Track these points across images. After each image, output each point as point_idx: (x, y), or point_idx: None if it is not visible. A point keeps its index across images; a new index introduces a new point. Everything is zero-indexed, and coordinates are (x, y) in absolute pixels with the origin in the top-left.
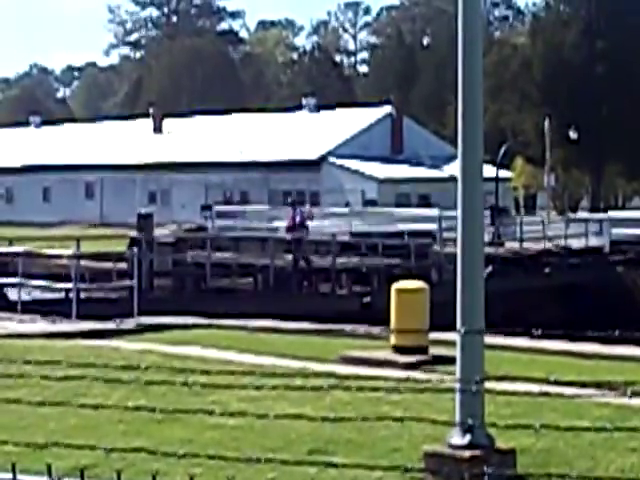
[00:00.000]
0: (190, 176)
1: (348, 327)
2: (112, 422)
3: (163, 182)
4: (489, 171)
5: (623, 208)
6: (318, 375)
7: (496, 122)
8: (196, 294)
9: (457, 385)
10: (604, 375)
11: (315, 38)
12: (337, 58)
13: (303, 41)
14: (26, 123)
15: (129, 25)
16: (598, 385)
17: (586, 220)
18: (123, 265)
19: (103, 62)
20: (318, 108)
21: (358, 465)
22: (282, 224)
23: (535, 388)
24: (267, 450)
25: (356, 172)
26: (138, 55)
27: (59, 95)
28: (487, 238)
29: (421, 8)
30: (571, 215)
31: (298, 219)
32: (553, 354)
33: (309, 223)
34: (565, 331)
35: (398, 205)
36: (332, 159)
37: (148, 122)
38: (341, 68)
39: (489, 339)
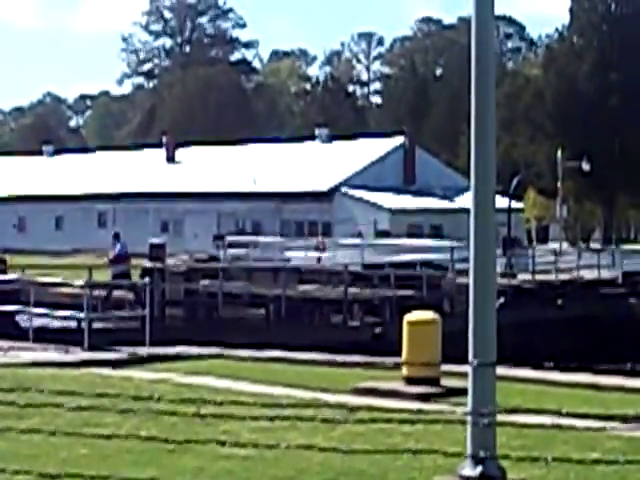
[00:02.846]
0: (203, 206)
1: (360, 358)
2: (123, 452)
3: (176, 212)
4: (501, 202)
5: (635, 240)
6: (330, 406)
7: (509, 153)
8: (208, 324)
9: (469, 417)
10: (616, 407)
11: (328, 68)
12: (350, 88)
13: (316, 71)
14: (39, 152)
15: (142, 54)
16: (610, 417)
17: (599, 251)
18: (135, 295)
19: (116, 91)
20: (331, 138)
21: None
22: (295, 254)
23: (547, 420)
24: None
25: (368, 202)
26: (151, 84)
27: (72, 124)
28: (499, 269)
29: (434, 39)
30: (583, 246)
31: (119, 251)
32: (565, 386)
33: (323, 254)
34: (577, 363)
35: (410, 236)
36: (344, 189)
37: (161, 151)
38: (354, 98)
39: (500, 370)
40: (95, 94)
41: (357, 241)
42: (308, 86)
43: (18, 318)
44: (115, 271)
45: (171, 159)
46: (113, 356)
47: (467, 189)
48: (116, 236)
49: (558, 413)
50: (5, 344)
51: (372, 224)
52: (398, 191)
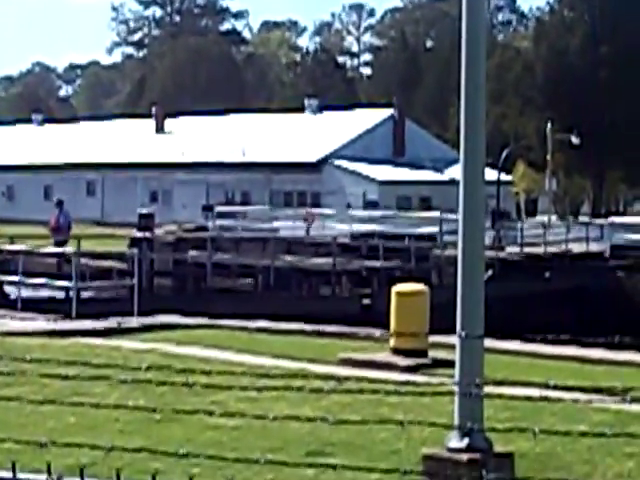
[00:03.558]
0: (192, 176)
1: (348, 329)
2: (111, 421)
3: (165, 182)
4: (490, 175)
5: (624, 213)
6: (318, 377)
7: (498, 126)
8: (196, 294)
9: (456, 388)
10: (604, 380)
11: (318, 39)
12: (340, 60)
13: (306, 42)
14: (28, 121)
15: (132, 24)
16: (597, 390)
17: (587, 225)
18: (124, 264)
19: (106, 61)
20: (320, 109)
21: (356, 467)
22: (282, 224)
23: (534, 392)
24: (266, 451)
25: (357, 174)
26: (141, 54)
27: (62, 93)
28: (488, 242)
29: (424, 11)
30: (572, 219)
31: (62, 220)
32: (552, 358)
33: (310, 225)
34: (565, 335)
35: (399, 207)
36: (334, 161)
37: (150, 122)
38: (344, 70)
39: (488, 343)
40: (85, 64)
41: (347, 212)
42: (298, 57)
43: (6, 287)
44: (57, 239)
45: (160, 129)
46: (101, 325)
47: (456, 161)
48: (59, 204)
49: (545, 385)
50: None
51: (361, 195)
52: (387, 163)
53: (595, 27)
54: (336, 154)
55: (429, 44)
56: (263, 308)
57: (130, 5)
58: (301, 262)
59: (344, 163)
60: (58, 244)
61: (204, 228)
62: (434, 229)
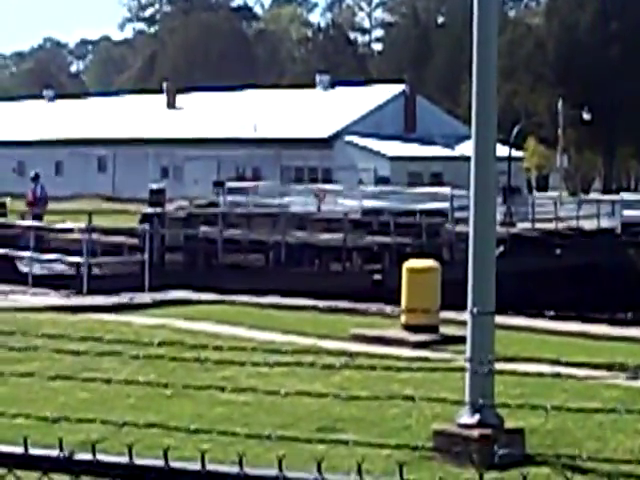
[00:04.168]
0: (203, 152)
1: (359, 305)
2: (122, 397)
3: (176, 157)
4: (502, 151)
5: (635, 190)
6: (329, 353)
7: (509, 102)
8: (207, 270)
9: (467, 365)
10: (614, 357)
11: (330, 15)
12: (351, 36)
13: (317, 18)
14: (39, 96)
15: (144, 0)
16: (609, 367)
17: (598, 201)
18: (135, 240)
19: (117, 36)
20: (332, 85)
21: (367, 443)
22: (293, 199)
23: (546, 369)
24: (276, 427)
25: (369, 150)
26: (152, 30)
27: (73, 69)
28: (499, 218)
29: None
30: (583, 196)
31: (39, 193)
32: (564, 335)
33: (322, 201)
34: (576, 312)
35: (410, 184)
36: (345, 137)
37: (162, 97)
38: (355, 46)
39: (500, 319)
40: (96, 39)
41: (359, 188)
42: (309, 33)
43: (18, 263)
44: (34, 212)
45: (171, 105)
46: (112, 301)
47: (468, 137)
48: (35, 177)
49: (557, 362)
50: (5, 288)
51: (372, 171)
52: (399, 139)
53: (606, 3)
54: (347, 130)
55: (440, 20)
56: (274, 284)
57: None
58: (312, 238)
59: (355, 139)
60: (36, 217)
61: (215, 204)
62: (445, 205)
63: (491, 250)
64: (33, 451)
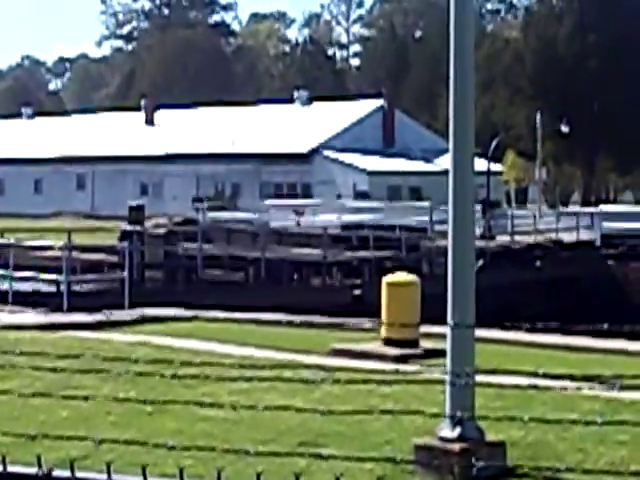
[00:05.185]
0: (182, 168)
1: (339, 320)
2: (102, 414)
3: (155, 174)
4: (480, 164)
5: (614, 202)
6: (308, 367)
7: (487, 115)
8: (187, 286)
9: (447, 378)
10: (594, 368)
11: (307, 31)
12: (329, 51)
13: (295, 34)
14: (18, 115)
15: (121, 17)
16: (588, 378)
17: (577, 214)
18: (115, 257)
19: (95, 54)
20: (310, 101)
21: (348, 457)
22: (273, 215)
23: (525, 381)
24: (257, 442)
25: (348, 165)
26: (130, 47)
27: (51, 87)
28: (478, 231)
29: (413, 1)
30: (562, 209)
31: None
32: (543, 347)
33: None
34: (555, 324)
35: (389, 198)
36: (324, 152)
37: (140, 114)
38: (333, 61)
39: (479, 332)
40: (74, 57)
41: (338, 203)
42: (287, 48)
43: None
44: None
45: (150, 121)
46: (92, 318)
47: (446, 151)
48: None
49: (536, 374)
50: None
51: (351, 186)
52: (377, 153)
53: (583, 16)
54: (326, 145)
55: (418, 34)
56: (254, 300)
57: None
58: (292, 253)
59: (334, 154)
60: None
61: (194, 221)
62: (424, 219)
63: (470, 263)
64: (12, 468)
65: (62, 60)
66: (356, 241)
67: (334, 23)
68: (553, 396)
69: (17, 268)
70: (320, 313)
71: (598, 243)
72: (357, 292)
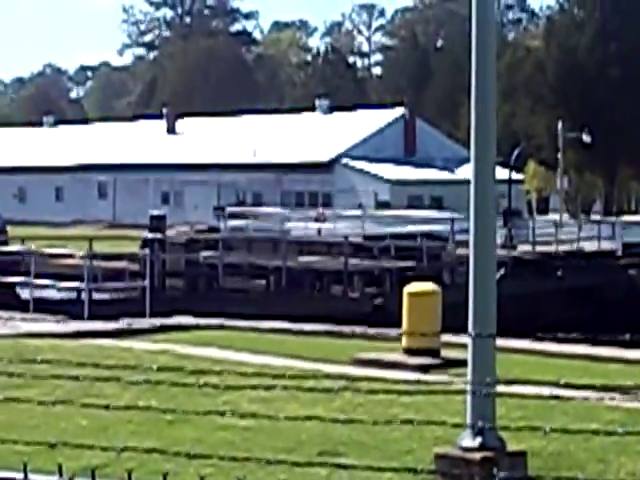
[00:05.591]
0: (203, 177)
1: (360, 329)
2: (123, 422)
3: (176, 183)
4: (502, 174)
5: (636, 212)
6: (330, 377)
7: (509, 124)
8: (208, 294)
9: (468, 387)
10: (615, 378)
11: (329, 39)
12: (351, 60)
13: (317, 42)
14: (40, 123)
15: (143, 25)
16: (609, 388)
17: (599, 223)
18: (136, 266)
19: (117, 62)
20: (331, 109)
21: (369, 467)
22: (295, 225)
23: (546, 391)
24: (278, 451)
25: (369, 174)
26: (152, 55)
27: (73, 95)
28: (499, 241)
29: (435, 10)
30: (584, 218)
31: None
32: (564, 357)
33: (323, 226)
34: (577, 334)
35: (410, 207)
36: (345, 161)
37: (161, 123)
38: (355, 70)
39: (500, 342)
40: (95, 65)
41: (358, 212)
42: (309, 57)
43: (18, 289)
44: None
45: (171, 130)
46: (112, 327)
47: (467, 160)
48: None
49: (557, 384)
50: (5, 315)
51: (372, 195)
52: (398, 162)
53: (605, 25)
54: (347, 154)
55: (439, 44)
56: (275, 309)
57: (141, 6)
58: (313, 262)
59: (355, 163)
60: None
61: (215, 229)
62: (446, 228)
63: (492, 273)
64: (33, 477)
65: (84, 68)
66: (377, 250)
67: (355, 32)
68: (574, 406)
69: (38, 276)
70: (341, 322)
71: (619, 253)
72: (378, 301)
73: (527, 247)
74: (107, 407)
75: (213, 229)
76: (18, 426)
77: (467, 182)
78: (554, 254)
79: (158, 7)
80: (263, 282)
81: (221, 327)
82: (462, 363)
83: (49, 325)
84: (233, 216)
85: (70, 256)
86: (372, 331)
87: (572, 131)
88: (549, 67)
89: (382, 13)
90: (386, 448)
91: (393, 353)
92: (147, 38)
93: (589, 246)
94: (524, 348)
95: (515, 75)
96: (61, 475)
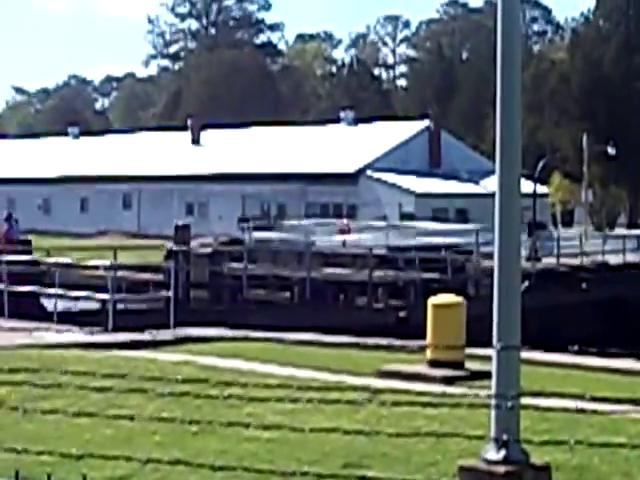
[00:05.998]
0: (227, 188)
1: (384, 341)
2: (147, 433)
3: (200, 194)
4: (527, 186)
5: None
6: (354, 389)
7: (534, 137)
8: (232, 306)
9: (492, 400)
10: None
11: (354, 51)
12: (376, 71)
13: (342, 54)
14: (64, 134)
15: (168, 37)
16: (634, 401)
17: (624, 236)
18: (160, 276)
19: (142, 73)
20: (356, 121)
21: (393, 479)
22: (320, 237)
23: (571, 404)
24: (302, 463)
25: (393, 186)
26: (177, 67)
27: (98, 106)
28: (524, 253)
29: (460, 22)
30: (609, 231)
31: (13, 235)
32: (589, 370)
33: (347, 237)
34: (601, 347)
35: (435, 219)
36: (370, 172)
37: (186, 134)
38: (379, 81)
39: (525, 354)
40: (120, 76)
41: (382, 224)
42: (333, 69)
43: (43, 300)
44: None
45: (196, 141)
46: (137, 338)
47: (493, 172)
48: (8, 218)
49: (582, 397)
50: (30, 325)
51: (397, 207)
52: (423, 174)
53: (630, 37)
54: (372, 166)
55: (465, 55)
56: (299, 320)
57: (166, 18)
58: (337, 274)
59: (380, 175)
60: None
61: (240, 241)
62: (470, 240)
63: (516, 285)
64: None
65: (109, 79)
66: (402, 262)
67: (380, 44)
68: (599, 419)
69: (63, 287)
70: (365, 334)
71: None
72: (402, 314)
73: (552, 260)
74: (132, 418)
75: (236, 241)
76: (43, 437)
77: (492, 195)
78: (579, 267)
79: (183, 18)
80: (287, 294)
81: (245, 339)
82: (486, 375)
83: (73, 336)
84: (258, 228)
85: (95, 267)
86: (396, 343)
87: (597, 144)
88: (574, 79)
89: (407, 25)
90: (410, 460)
91: (417, 365)
92: (172, 49)
93: (614, 259)
94: (549, 361)
95: (540, 87)
96: None
